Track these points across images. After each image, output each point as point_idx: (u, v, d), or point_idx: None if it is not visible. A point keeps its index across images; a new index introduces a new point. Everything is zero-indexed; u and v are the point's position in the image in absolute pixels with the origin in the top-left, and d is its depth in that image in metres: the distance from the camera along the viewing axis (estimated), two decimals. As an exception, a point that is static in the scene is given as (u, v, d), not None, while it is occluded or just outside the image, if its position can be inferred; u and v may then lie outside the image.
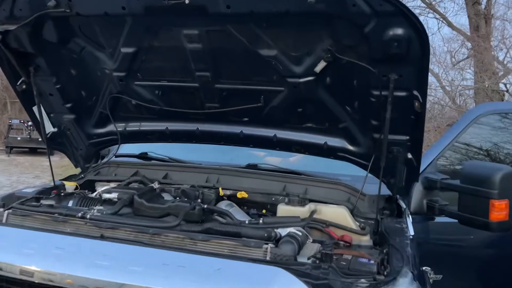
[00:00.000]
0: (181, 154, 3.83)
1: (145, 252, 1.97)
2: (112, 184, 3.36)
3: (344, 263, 2.15)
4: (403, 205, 3.23)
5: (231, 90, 3.02)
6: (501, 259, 4.07)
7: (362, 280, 1.97)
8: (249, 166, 3.52)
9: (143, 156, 3.87)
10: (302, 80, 2.79)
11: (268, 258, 2.03)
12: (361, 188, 3.00)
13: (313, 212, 2.55)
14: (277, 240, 2.18)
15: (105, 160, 3.75)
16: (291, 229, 2.25)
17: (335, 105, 2.90)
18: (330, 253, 2.05)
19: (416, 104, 2.53)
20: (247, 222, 2.51)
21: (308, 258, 2.14)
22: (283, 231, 2.39)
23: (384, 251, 2.46)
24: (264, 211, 3.08)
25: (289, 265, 1.96)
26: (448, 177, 3.59)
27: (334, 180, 3.25)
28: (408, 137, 2.77)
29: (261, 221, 2.47)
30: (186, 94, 3.15)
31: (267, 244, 2.07)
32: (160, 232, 2.20)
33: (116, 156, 3.93)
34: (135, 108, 3.35)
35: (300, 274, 1.88)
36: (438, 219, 3.78)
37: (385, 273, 2.11)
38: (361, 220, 2.87)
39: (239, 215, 2.72)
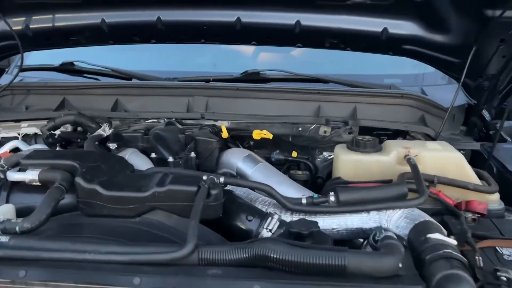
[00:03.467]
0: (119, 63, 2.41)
1: None
2: (25, 127, 1.97)
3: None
4: (488, 117, 2.17)
5: None
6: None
7: None
8: (248, 76, 2.21)
9: (68, 68, 2.40)
10: None
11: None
12: (452, 101, 1.86)
13: (415, 166, 1.40)
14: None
15: (3, 81, 2.24)
16: (435, 235, 1.09)
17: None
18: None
19: None
20: (304, 202, 1.32)
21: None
22: (381, 219, 1.25)
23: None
24: (294, 154, 1.88)
25: None
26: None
27: (394, 90, 2.08)
28: None
29: (332, 199, 1.29)
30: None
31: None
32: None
33: (23, 71, 2.44)
34: (40, -13, 1.83)
35: None
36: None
37: None
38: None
39: (277, 179, 1.51)
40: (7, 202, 1.32)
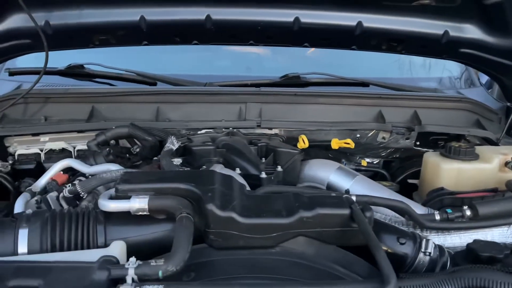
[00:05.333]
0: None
1: None
2: (48, 142, 1.68)
3: None
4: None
5: None
6: None
7: None
8: (289, 80, 2.07)
9: (78, 72, 2.10)
10: None
11: None
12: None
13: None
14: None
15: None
16: None
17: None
18: None
19: None
20: (438, 218, 1.22)
21: None
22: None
23: None
24: (364, 163, 1.78)
25: None
26: None
27: (453, 94, 2.05)
28: None
29: (468, 213, 1.20)
30: None
31: None
32: None
33: (11, 74, 2.11)
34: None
35: None
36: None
37: None
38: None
39: (386, 193, 1.40)
40: (106, 238, 1.07)
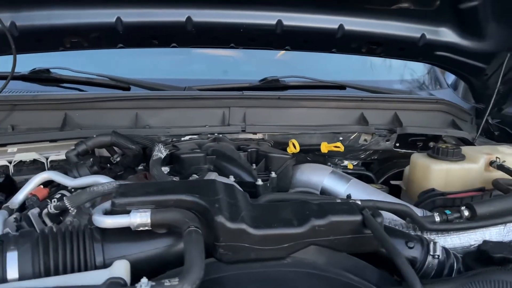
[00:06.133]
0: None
1: None
2: (17, 153, 1.55)
3: None
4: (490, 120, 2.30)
5: None
6: None
7: None
8: (268, 83, 2.04)
9: (44, 77, 1.96)
10: None
11: None
12: (491, 105, 1.91)
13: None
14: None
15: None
16: None
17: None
18: None
19: None
20: (438, 219, 1.22)
21: None
22: None
23: None
24: (350, 166, 1.77)
25: None
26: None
27: (430, 96, 2.09)
28: None
29: (466, 213, 1.22)
30: None
31: None
32: None
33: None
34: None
35: None
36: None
37: None
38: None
39: (381, 195, 1.39)
40: (105, 257, 0.99)
